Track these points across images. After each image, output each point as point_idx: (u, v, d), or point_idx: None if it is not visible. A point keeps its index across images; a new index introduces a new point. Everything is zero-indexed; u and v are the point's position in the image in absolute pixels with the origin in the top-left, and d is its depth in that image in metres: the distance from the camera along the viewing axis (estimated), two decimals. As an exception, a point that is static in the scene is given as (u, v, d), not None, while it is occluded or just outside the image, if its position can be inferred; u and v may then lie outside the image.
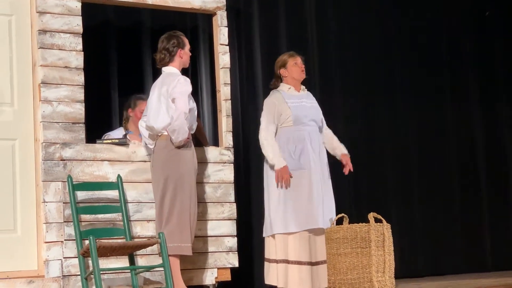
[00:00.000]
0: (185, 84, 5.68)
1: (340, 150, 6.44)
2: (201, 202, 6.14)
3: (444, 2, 8.81)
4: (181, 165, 5.64)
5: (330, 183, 6.33)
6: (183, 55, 5.83)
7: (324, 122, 6.52)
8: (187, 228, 5.63)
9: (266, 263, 6.24)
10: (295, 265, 6.07)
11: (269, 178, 6.27)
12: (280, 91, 6.35)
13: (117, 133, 6.41)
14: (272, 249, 6.19)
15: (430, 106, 8.57)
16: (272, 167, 6.19)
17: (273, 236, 6.17)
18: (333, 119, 7.71)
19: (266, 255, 6.24)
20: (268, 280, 6.20)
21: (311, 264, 6.11)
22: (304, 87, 6.46)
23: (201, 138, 6.52)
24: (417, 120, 8.49)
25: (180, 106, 5.58)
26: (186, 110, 5.59)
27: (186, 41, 5.86)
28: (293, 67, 6.36)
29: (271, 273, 6.16)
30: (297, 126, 6.24)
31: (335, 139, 6.50)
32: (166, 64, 5.83)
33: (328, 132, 6.51)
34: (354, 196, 7.93)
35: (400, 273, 7.57)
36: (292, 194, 6.14)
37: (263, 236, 6.29)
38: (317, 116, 6.37)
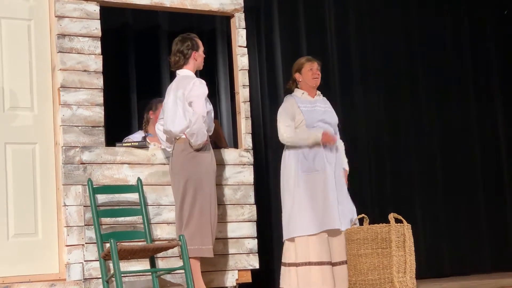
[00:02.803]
0: (201, 87, 5.67)
1: (341, 165, 6.34)
2: (221, 204, 6.14)
3: (466, 1, 8.79)
4: (200, 167, 5.64)
5: (345, 184, 6.31)
6: (197, 57, 5.82)
7: (338, 131, 6.44)
8: (208, 230, 5.62)
9: (283, 268, 6.20)
10: (317, 266, 6.05)
11: (284, 182, 6.25)
12: (294, 96, 6.35)
13: (137, 136, 6.42)
14: (291, 253, 6.16)
15: (453, 104, 8.52)
16: (309, 146, 6.16)
17: (292, 239, 6.15)
18: (355, 117, 7.71)
19: (284, 259, 6.21)
20: (284, 284, 6.16)
21: (331, 264, 6.09)
22: (319, 92, 6.44)
23: (219, 140, 6.51)
24: (440, 119, 8.44)
25: (197, 109, 5.57)
26: (204, 113, 5.59)
27: (200, 43, 5.84)
28: (308, 72, 6.33)
29: (291, 278, 6.13)
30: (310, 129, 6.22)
31: (341, 151, 6.38)
32: (180, 67, 5.82)
33: (338, 142, 6.40)
34: (377, 196, 7.91)
35: (425, 274, 7.55)
36: (308, 196, 6.11)
37: (283, 240, 6.27)
38: (331, 119, 6.34)
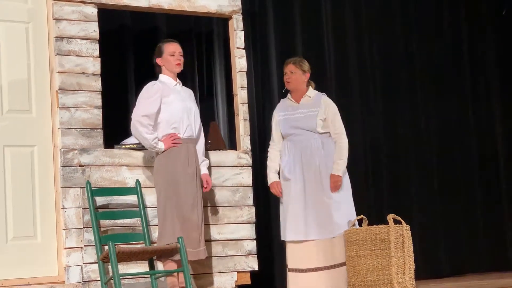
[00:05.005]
0: (145, 90, 5.69)
1: (331, 170, 6.08)
2: (220, 206, 6.15)
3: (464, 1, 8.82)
4: (168, 169, 5.61)
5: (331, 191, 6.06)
6: (162, 62, 5.79)
7: (335, 132, 6.13)
8: (171, 233, 5.55)
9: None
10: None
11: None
12: (280, 102, 6.35)
13: (132, 140, 6.40)
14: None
15: (452, 106, 8.54)
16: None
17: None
18: (353, 118, 7.70)
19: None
20: None
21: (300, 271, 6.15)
22: (313, 94, 6.19)
23: (217, 142, 6.50)
24: (439, 120, 8.45)
25: (132, 115, 5.64)
26: (137, 117, 5.58)
27: (167, 46, 5.77)
28: (284, 76, 6.24)
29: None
30: (287, 137, 6.18)
31: (335, 154, 6.09)
32: (160, 73, 5.83)
33: (338, 140, 6.15)
34: (375, 197, 7.91)
35: (424, 274, 7.56)
36: (283, 204, 6.19)
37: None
38: (308, 125, 6.08)
